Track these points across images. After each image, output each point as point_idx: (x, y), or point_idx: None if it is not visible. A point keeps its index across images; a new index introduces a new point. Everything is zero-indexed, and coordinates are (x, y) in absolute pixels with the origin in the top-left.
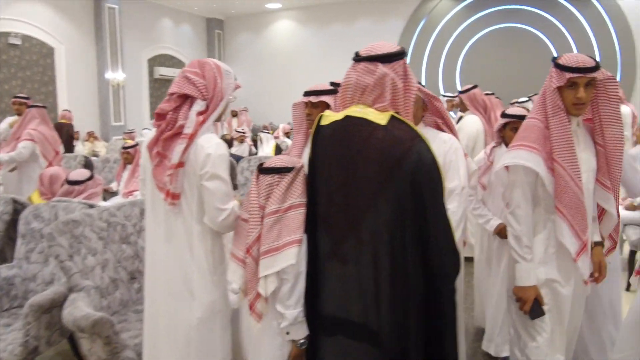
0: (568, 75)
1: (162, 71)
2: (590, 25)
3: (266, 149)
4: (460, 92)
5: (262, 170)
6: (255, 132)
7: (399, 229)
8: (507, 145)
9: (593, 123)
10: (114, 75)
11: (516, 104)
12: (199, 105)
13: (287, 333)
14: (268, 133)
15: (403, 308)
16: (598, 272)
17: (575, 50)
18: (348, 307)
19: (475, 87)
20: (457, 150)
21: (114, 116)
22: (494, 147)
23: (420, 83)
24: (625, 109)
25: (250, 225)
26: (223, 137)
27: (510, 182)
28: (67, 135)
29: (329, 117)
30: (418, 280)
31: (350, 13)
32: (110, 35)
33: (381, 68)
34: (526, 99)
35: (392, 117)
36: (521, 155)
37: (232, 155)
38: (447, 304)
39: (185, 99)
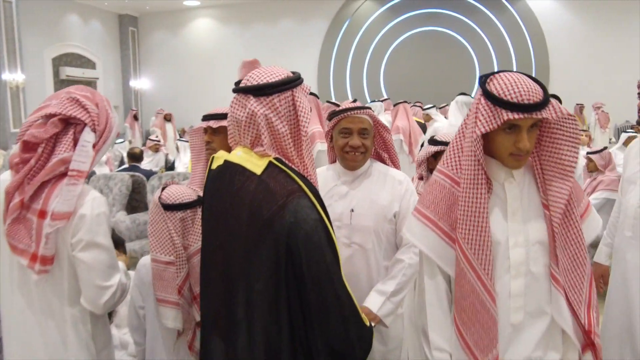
0: (507, 115)
1: (69, 71)
2: (506, 30)
3: (184, 158)
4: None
5: (170, 207)
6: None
7: (275, 307)
8: None
9: (534, 174)
10: (12, 76)
11: (422, 110)
12: (90, 136)
13: None
14: (186, 141)
15: None
16: None
17: (493, 55)
18: None
19: (355, 101)
20: (414, 193)
21: (13, 122)
22: (422, 181)
23: (433, 107)
24: None
25: (177, 266)
26: (132, 150)
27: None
28: None
29: (218, 159)
30: None
31: (272, 13)
32: (6, 32)
33: (251, 103)
34: (430, 105)
35: (270, 164)
36: (409, 226)
37: (141, 170)
38: None
39: (66, 126)
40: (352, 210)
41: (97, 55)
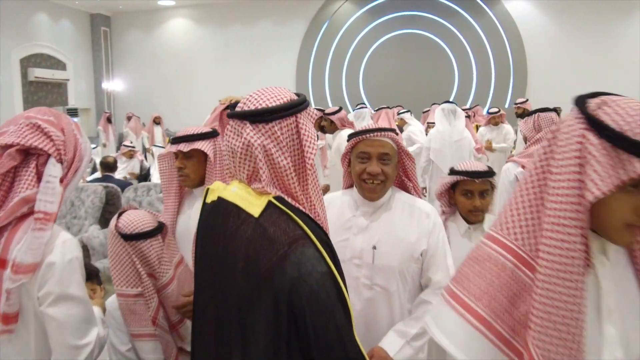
0: None
1: (38, 73)
2: (484, 34)
3: None
4: (330, 114)
5: (130, 237)
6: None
7: None
8: (461, 214)
9: (629, 251)
10: None
11: (397, 114)
12: (56, 169)
13: None
14: (162, 147)
15: None
16: None
17: (472, 59)
18: None
19: (340, 109)
20: (442, 227)
21: None
22: (444, 221)
23: (408, 111)
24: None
25: (146, 297)
26: (105, 159)
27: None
28: None
29: (213, 192)
30: None
31: (250, 14)
32: None
33: (247, 132)
34: (405, 110)
35: (270, 204)
36: (440, 321)
37: (114, 181)
38: None
39: (27, 157)
40: (375, 248)
41: (67, 56)
